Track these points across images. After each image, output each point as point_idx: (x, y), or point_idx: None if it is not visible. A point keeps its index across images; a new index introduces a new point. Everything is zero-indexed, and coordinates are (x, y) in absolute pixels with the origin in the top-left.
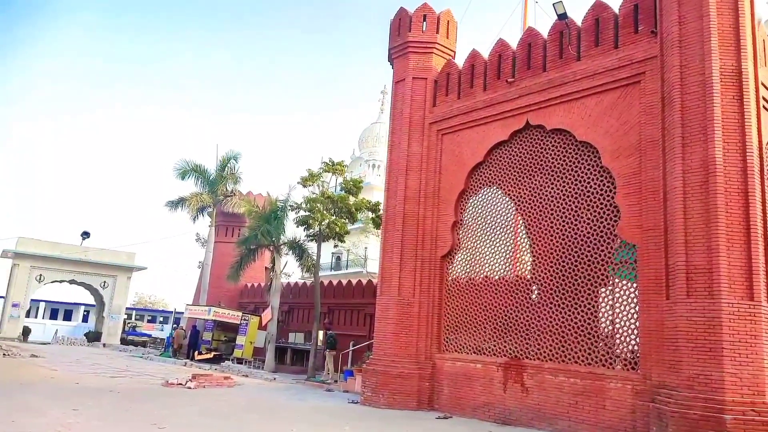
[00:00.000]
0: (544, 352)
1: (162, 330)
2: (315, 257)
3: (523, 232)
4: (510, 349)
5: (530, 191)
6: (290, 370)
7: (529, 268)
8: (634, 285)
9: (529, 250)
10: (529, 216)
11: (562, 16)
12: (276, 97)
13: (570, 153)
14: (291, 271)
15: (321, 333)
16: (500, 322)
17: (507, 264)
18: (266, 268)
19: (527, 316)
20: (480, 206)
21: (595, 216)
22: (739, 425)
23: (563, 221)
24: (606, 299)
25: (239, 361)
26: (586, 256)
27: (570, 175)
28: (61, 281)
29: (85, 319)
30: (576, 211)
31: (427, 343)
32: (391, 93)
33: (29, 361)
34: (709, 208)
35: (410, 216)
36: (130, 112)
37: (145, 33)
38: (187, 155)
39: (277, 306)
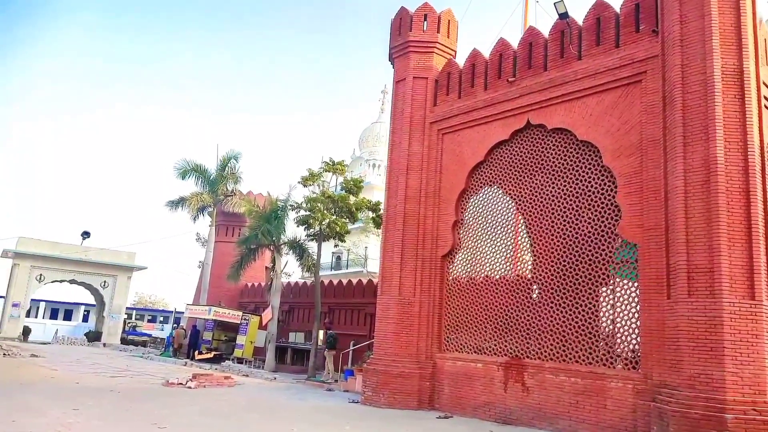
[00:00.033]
0: (545, 351)
1: (162, 330)
2: (315, 257)
3: (524, 231)
4: (511, 348)
5: (531, 191)
6: (290, 369)
7: (529, 267)
8: (635, 284)
9: (529, 250)
10: (530, 215)
11: (563, 16)
12: (276, 97)
13: (571, 152)
14: (291, 270)
15: (321, 332)
16: (501, 321)
17: (508, 263)
18: (266, 267)
19: (528, 315)
20: (481, 206)
21: (596, 215)
22: (740, 424)
23: (564, 220)
24: (607, 299)
25: (239, 360)
26: (587, 255)
27: (571, 174)
28: (61, 281)
29: (85, 319)
30: (577, 211)
31: (427, 342)
32: (392, 92)
33: (29, 361)
34: (711, 208)
35: (411, 215)
36: (130, 112)
37: (145, 33)
38: (187, 155)
39: (278, 305)
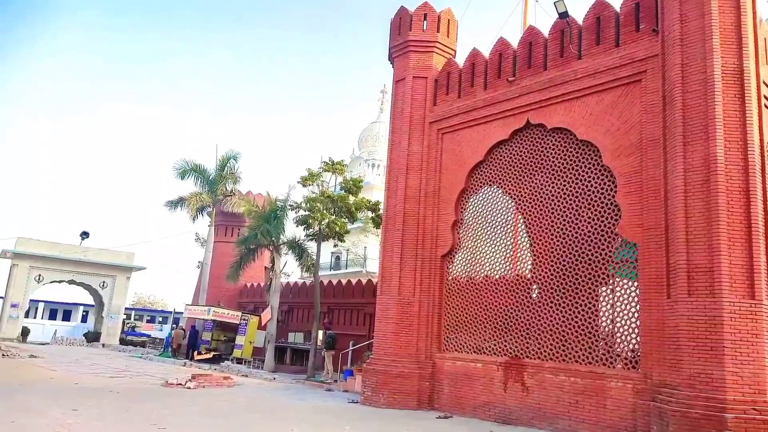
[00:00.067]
0: (545, 351)
1: (161, 330)
2: (315, 257)
3: (524, 231)
4: (510, 348)
5: (531, 190)
6: (290, 369)
7: (529, 267)
8: (635, 284)
9: (529, 249)
10: (530, 215)
11: (563, 15)
12: (276, 97)
13: (570, 152)
14: (291, 270)
15: (321, 333)
16: (500, 321)
17: (507, 263)
18: (266, 267)
19: (528, 315)
20: (480, 205)
21: (595, 215)
22: (740, 424)
23: (564, 220)
24: (606, 298)
25: (239, 361)
26: (587, 255)
27: (570, 174)
28: (60, 281)
29: (84, 320)
30: (576, 210)
31: (427, 342)
32: (392, 92)
33: (28, 362)
34: (711, 207)
35: (410, 215)
36: (129, 111)
37: (145, 33)
38: (187, 155)
39: (277, 306)
